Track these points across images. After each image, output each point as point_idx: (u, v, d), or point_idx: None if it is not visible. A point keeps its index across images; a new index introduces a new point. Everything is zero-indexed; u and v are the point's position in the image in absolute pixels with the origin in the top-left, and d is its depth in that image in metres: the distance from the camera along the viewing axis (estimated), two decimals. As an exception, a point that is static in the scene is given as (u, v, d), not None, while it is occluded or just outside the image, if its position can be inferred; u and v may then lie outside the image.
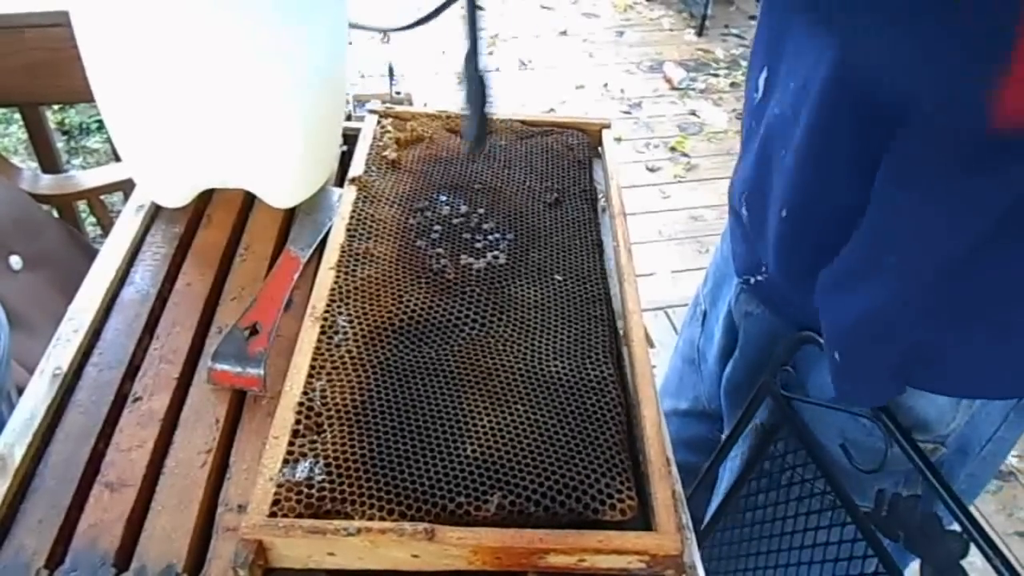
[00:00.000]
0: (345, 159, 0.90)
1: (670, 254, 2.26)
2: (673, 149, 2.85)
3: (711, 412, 0.93)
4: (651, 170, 2.63)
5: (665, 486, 0.54)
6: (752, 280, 0.80)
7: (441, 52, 3.10)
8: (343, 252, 0.69)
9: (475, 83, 0.56)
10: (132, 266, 0.74)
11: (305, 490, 0.51)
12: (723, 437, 0.88)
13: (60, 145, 2.29)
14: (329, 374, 0.59)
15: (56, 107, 2.65)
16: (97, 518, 0.54)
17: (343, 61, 0.80)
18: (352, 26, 0.77)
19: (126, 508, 0.54)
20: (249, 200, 0.83)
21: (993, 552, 0.54)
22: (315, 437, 0.55)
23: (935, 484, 0.59)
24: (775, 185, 0.69)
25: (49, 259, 1.24)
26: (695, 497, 0.98)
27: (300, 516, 0.50)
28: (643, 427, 0.58)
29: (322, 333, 0.62)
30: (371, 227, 0.72)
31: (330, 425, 0.56)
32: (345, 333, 0.62)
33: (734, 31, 3.74)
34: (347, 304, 0.64)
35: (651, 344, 0.68)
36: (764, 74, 0.69)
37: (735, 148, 2.79)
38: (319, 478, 0.52)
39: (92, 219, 1.76)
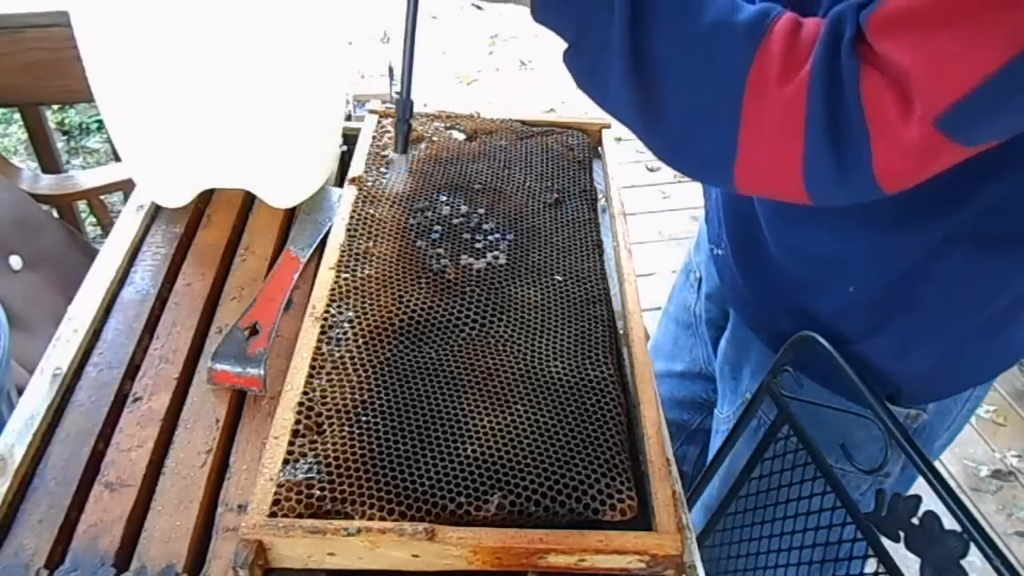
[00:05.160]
0: (345, 159, 0.90)
1: (670, 254, 2.26)
2: (673, 149, 2.85)
3: (708, 373, 0.95)
4: (651, 170, 2.63)
5: (665, 486, 0.54)
6: (714, 251, 0.84)
7: (441, 52, 3.10)
8: (343, 252, 0.69)
9: (404, 103, 0.65)
10: (132, 266, 0.74)
11: (305, 490, 0.51)
12: (724, 431, 0.88)
13: (60, 145, 2.30)
14: (329, 374, 0.59)
15: (56, 107, 2.65)
16: (97, 518, 0.54)
17: (343, 61, 0.80)
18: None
19: (126, 508, 0.54)
20: (249, 200, 0.83)
21: (993, 552, 0.54)
22: (315, 437, 0.55)
23: (935, 484, 0.59)
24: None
25: (49, 259, 1.23)
26: (682, 453, 1.05)
27: (300, 516, 0.50)
28: (643, 427, 0.58)
29: (322, 333, 0.62)
30: (371, 227, 0.72)
31: (330, 425, 0.56)
32: (345, 333, 0.62)
33: (734, 31, 3.74)
34: (347, 304, 0.64)
35: (651, 344, 0.69)
36: None
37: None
38: (319, 478, 0.52)
39: (92, 219, 1.76)
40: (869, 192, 0.49)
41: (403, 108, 0.66)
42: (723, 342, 0.88)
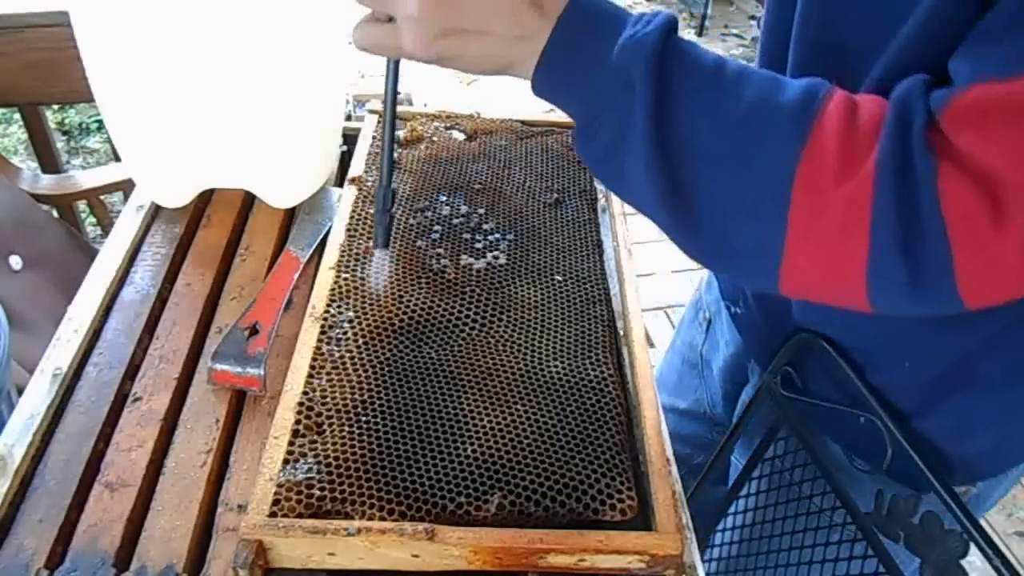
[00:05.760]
0: (345, 159, 0.90)
1: (670, 254, 2.26)
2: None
3: (712, 416, 0.93)
4: (651, 170, 2.63)
5: (665, 486, 0.54)
6: (732, 309, 0.78)
7: (441, 52, 3.10)
8: (343, 252, 0.69)
9: (384, 191, 0.59)
10: (132, 266, 0.74)
11: (305, 490, 0.51)
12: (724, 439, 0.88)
13: (60, 145, 2.30)
14: (329, 374, 0.59)
15: (56, 107, 2.65)
16: (97, 518, 0.54)
17: (343, 61, 0.80)
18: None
19: (126, 508, 0.54)
20: (249, 200, 0.83)
21: (993, 552, 0.54)
22: (315, 437, 0.55)
23: (935, 484, 0.59)
24: None
25: (49, 259, 1.23)
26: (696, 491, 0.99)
27: (300, 516, 0.50)
28: (643, 427, 0.58)
29: (322, 333, 0.62)
30: (371, 227, 0.72)
31: (330, 425, 0.56)
32: (345, 333, 0.62)
33: (734, 31, 3.74)
34: (347, 304, 0.64)
35: (651, 344, 0.68)
36: None
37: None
38: (319, 478, 0.52)
39: (92, 219, 1.76)
40: (949, 307, 0.42)
41: (384, 197, 0.60)
42: (745, 395, 0.83)
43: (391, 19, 0.47)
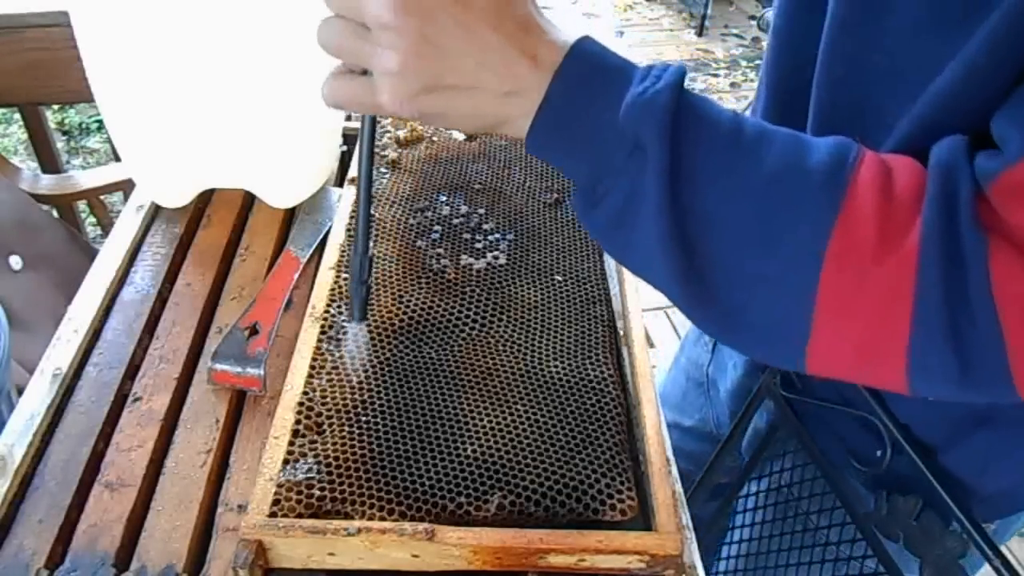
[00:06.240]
0: (345, 159, 0.90)
1: (670, 254, 2.26)
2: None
3: (718, 436, 0.92)
4: (651, 170, 2.63)
5: (665, 486, 0.54)
6: None
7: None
8: (343, 252, 0.69)
9: (360, 260, 0.55)
10: (132, 266, 0.74)
11: (305, 490, 0.51)
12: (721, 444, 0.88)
13: (60, 145, 2.30)
14: (329, 374, 0.59)
15: (56, 107, 2.65)
16: (97, 518, 0.54)
17: (343, 61, 0.80)
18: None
19: (126, 508, 0.54)
20: (249, 200, 0.83)
21: (993, 552, 0.54)
22: (315, 437, 0.55)
23: (935, 485, 0.59)
24: None
25: (49, 259, 1.24)
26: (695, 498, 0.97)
27: (300, 516, 0.50)
28: (643, 427, 0.58)
29: (322, 333, 0.62)
30: (371, 227, 0.72)
31: (330, 425, 0.56)
32: (345, 333, 0.62)
33: (734, 31, 3.75)
34: (347, 304, 0.64)
35: (651, 344, 0.68)
36: None
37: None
38: (319, 478, 0.52)
39: (92, 219, 1.76)
40: (1001, 395, 0.39)
41: (360, 266, 0.55)
42: (758, 419, 0.82)
43: (366, 71, 0.42)
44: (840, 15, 0.47)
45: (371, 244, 0.53)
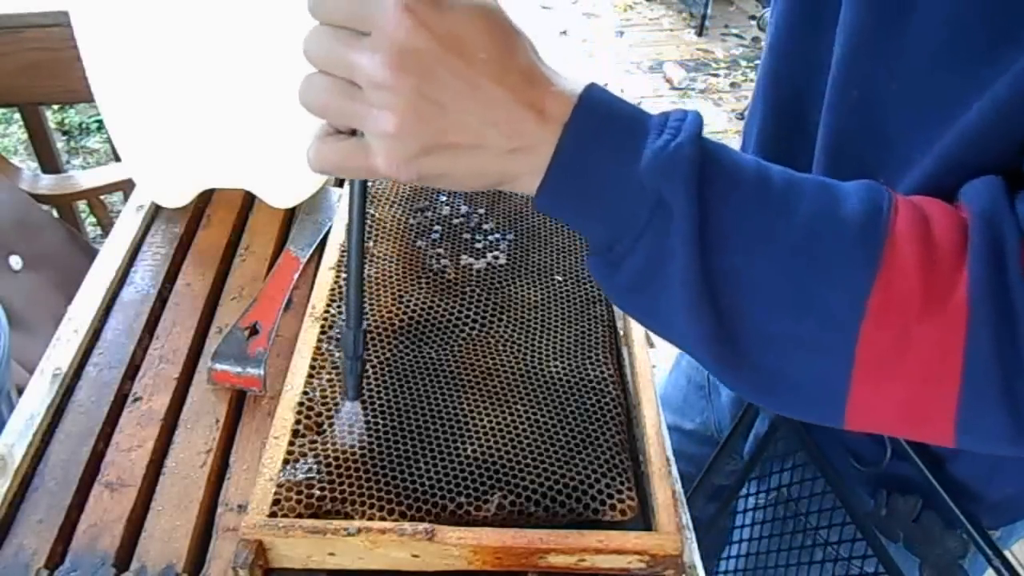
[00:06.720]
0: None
1: (670, 254, 2.26)
2: (673, 149, 2.84)
3: (720, 440, 0.91)
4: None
5: (665, 486, 0.54)
6: None
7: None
8: (343, 252, 0.69)
9: (354, 335, 0.51)
10: (132, 266, 0.74)
11: (305, 490, 0.51)
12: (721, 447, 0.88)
13: (60, 145, 2.30)
14: (329, 374, 0.59)
15: (56, 107, 2.65)
16: (97, 518, 0.54)
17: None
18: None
19: (126, 508, 0.54)
20: (249, 200, 0.83)
21: (993, 552, 0.54)
22: (315, 437, 0.55)
23: (936, 486, 0.59)
24: None
25: (49, 259, 1.24)
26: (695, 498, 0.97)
27: (300, 516, 0.50)
28: (643, 427, 0.58)
29: (322, 333, 0.62)
30: (371, 227, 0.72)
31: (330, 425, 0.56)
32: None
33: (734, 31, 3.75)
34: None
35: (651, 344, 0.68)
36: None
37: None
38: (319, 478, 0.52)
39: (92, 219, 1.76)
40: None
41: (354, 343, 0.51)
42: (760, 425, 0.81)
43: (355, 131, 0.39)
44: (856, 33, 0.45)
45: (364, 319, 0.48)
